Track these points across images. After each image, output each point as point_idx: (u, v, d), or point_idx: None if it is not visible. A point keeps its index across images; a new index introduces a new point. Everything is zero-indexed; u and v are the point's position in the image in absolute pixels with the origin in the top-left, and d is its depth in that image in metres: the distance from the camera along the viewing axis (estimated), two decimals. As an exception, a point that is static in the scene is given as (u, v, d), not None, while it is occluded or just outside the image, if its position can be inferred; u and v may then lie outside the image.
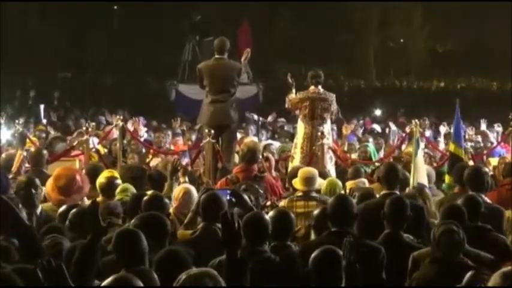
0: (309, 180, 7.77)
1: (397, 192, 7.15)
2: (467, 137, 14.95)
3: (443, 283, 5.28)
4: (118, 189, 7.72)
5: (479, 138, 15.38)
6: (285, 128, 17.53)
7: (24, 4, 28.51)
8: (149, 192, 7.25)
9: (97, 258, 4.72)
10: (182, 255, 4.91)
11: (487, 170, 8.58)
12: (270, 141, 13.77)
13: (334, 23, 31.38)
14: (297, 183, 7.78)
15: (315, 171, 8.02)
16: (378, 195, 7.48)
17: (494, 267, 4.95)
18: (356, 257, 4.77)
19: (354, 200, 6.55)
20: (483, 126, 17.30)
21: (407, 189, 8.46)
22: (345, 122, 15.78)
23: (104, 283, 4.00)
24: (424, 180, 9.17)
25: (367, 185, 8.69)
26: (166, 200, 6.66)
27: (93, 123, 12.88)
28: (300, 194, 7.57)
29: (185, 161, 10.94)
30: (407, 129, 11.52)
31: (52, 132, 15.84)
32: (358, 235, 6.47)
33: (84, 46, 30.92)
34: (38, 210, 7.14)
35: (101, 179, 7.93)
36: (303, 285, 5.04)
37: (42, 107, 20.40)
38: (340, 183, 8.57)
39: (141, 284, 3.98)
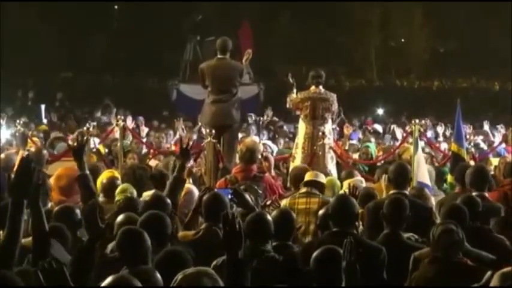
0: (316, 174, 7.88)
1: (407, 193, 7.15)
2: (467, 137, 14.95)
3: (442, 283, 5.27)
4: (118, 190, 7.70)
5: (479, 140, 15.38)
6: (285, 128, 17.54)
7: (24, 4, 28.50)
8: (149, 193, 7.24)
9: (94, 259, 4.70)
10: (184, 255, 4.89)
11: (490, 168, 8.58)
12: (265, 141, 13.76)
13: (335, 23, 31.40)
14: (306, 177, 7.81)
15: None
16: (378, 196, 7.48)
17: (495, 267, 4.94)
18: (356, 257, 4.76)
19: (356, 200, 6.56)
20: (486, 127, 17.29)
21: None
22: (346, 122, 15.79)
23: (103, 283, 3.98)
24: (426, 179, 9.15)
25: (364, 183, 8.70)
26: (168, 201, 6.65)
27: (94, 123, 12.89)
28: (303, 191, 7.57)
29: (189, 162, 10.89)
30: (408, 129, 11.51)
31: (53, 133, 15.86)
32: (368, 232, 6.52)
33: (84, 46, 30.95)
34: None
35: (102, 179, 7.92)
36: (304, 285, 5.03)
37: (43, 107, 20.40)
38: (338, 182, 8.62)
39: (140, 284, 3.96)
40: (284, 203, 7.48)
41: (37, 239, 4.79)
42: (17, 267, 4.48)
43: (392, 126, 17.64)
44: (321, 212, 6.55)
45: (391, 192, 7.12)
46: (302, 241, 6.77)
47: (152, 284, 4.35)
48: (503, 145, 13.82)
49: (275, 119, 19.11)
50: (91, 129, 11.33)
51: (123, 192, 7.62)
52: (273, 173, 9.90)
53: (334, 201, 6.02)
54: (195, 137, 14.50)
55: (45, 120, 19.43)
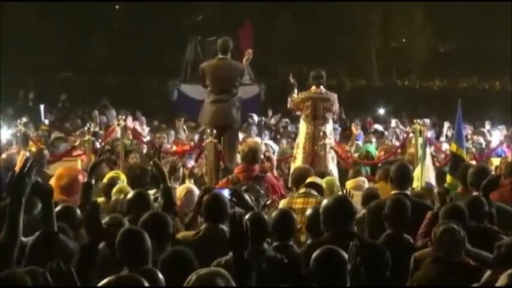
0: (315, 178, 7.94)
1: (408, 193, 7.12)
2: (468, 137, 14.95)
3: (444, 282, 5.27)
4: (114, 190, 7.67)
5: (482, 140, 15.37)
6: (289, 128, 17.50)
7: (24, 4, 28.49)
8: (150, 192, 7.23)
9: (96, 259, 4.70)
10: (189, 255, 4.89)
11: (491, 168, 8.57)
12: (267, 141, 13.75)
13: (336, 23, 31.39)
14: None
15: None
16: (381, 195, 7.48)
17: (497, 267, 4.93)
18: (361, 260, 4.74)
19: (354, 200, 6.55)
20: (487, 127, 17.29)
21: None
22: (347, 121, 15.78)
23: (108, 283, 3.97)
24: (433, 181, 9.14)
25: (366, 183, 8.69)
26: (151, 199, 6.62)
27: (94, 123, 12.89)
28: (302, 191, 7.57)
29: (190, 163, 10.90)
30: (409, 129, 11.51)
31: (54, 133, 15.86)
32: (368, 233, 6.51)
33: (84, 46, 30.94)
34: None
35: (104, 179, 7.91)
36: (304, 286, 5.02)
37: (42, 107, 20.37)
38: (337, 182, 8.63)
39: (147, 284, 3.96)
40: (282, 202, 7.49)
41: (45, 239, 4.79)
42: (25, 267, 4.48)
43: (393, 121, 17.62)
44: (307, 212, 6.47)
45: (393, 192, 7.11)
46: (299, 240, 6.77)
47: (155, 284, 4.34)
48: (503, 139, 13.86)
49: (287, 120, 19.01)
50: (92, 129, 11.33)
51: (120, 192, 7.59)
52: (275, 173, 9.90)
53: (332, 202, 5.96)
54: (196, 137, 14.50)
55: (46, 121, 19.40)
